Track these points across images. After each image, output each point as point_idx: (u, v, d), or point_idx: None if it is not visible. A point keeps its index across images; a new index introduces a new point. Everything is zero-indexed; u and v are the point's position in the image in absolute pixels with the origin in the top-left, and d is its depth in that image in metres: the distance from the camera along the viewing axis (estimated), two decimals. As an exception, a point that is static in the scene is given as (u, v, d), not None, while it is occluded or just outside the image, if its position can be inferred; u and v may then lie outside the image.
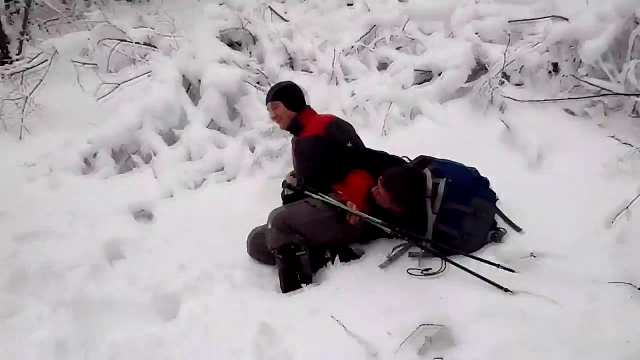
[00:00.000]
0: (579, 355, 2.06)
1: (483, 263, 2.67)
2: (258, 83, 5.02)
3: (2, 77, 6.10)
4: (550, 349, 2.10)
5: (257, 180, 4.01)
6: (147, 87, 5.08)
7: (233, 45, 5.55)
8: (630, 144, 3.19)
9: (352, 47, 5.70)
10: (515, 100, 3.98)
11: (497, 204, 3.05)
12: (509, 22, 4.83)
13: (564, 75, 3.92)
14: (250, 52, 5.52)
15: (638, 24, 3.49)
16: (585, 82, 3.72)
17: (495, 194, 3.04)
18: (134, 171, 4.48)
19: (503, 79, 4.23)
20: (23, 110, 5.63)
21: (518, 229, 2.98)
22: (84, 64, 5.86)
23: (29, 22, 8.61)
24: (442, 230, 2.86)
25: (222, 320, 2.70)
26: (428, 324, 2.27)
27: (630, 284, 2.31)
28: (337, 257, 3.05)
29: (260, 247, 3.17)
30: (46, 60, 5.94)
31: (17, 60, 6.59)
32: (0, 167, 4.70)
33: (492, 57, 4.51)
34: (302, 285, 2.92)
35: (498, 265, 2.56)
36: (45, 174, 4.48)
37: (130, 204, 3.92)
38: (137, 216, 3.87)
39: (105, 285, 3.12)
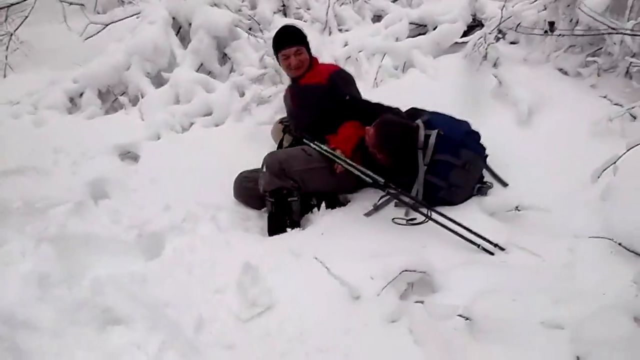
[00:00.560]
0: (557, 304, 2.09)
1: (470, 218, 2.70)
2: (250, 29, 4.91)
3: (-16, 13, 5.89)
4: (528, 298, 2.13)
5: (245, 125, 3.97)
6: (136, 28, 4.95)
7: (225, -12, 5.39)
8: (621, 105, 3.20)
9: (348, -4, 5.60)
10: (510, 57, 3.96)
11: (486, 158, 3.06)
12: (507, -23, 4.74)
13: (560, 34, 3.87)
14: (242, -3, 5.37)
15: (639, -17, 3.44)
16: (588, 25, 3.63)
17: (485, 148, 3.04)
18: (120, 112, 4.40)
19: (499, 35, 4.17)
20: (7, 48, 5.49)
21: (504, 184, 3.00)
22: (70, 3, 5.70)
23: (13, -43, 8.27)
24: (429, 181, 2.87)
25: (206, 259, 2.72)
26: (410, 270, 2.29)
27: (611, 239, 2.34)
28: (323, 204, 3.06)
29: (247, 191, 3.17)
30: (31, -4, 5.75)
31: (0, -5, 6.35)
32: (-18, 105, 4.58)
33: (489, 13, 4.45)
34: (287, 229, 2.93)
35: (478, 246, 2.57)
36: (29, 112, 4.39)
37: (116, 144, 3.86)
38: (122, 157, 3.83)
39: (89, 223, 3.10)
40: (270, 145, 3.59)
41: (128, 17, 5.30)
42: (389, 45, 4.47)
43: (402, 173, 2.92)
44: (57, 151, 3.78)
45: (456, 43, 4.40)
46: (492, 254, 2.51)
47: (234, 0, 5.05)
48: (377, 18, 5.46)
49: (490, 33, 4.11)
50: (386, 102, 3.30)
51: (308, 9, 5.44)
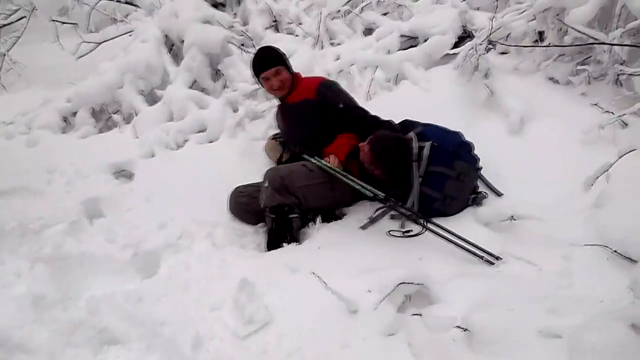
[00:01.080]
0: (553, 313, 2.09)
1: (465, 229, 2.70)
2: (242, 45, 4.94)
3: (-22, 33, 5.92)
4: (525, 307, 2.13)
5: (239, 141, 3.97)
6: (129, 46, 4.98)
7: (217, 5, 5.45)
8: (611, 112, 3.22)
9: (339, 11, 5.64)
10: (501, 67, 3.99)
11: (480, 169, 3.08)
12: (496, -12, 4.79)
13: (549, 44, 3.91)
14: (234, 13, 5.43)
15: (625, -7, 3.47)
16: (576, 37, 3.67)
17: (478, 158, 3.06)
18: (114, 131, 4.40)
19: (489, 46, 4.21)
20: (0, 68, 5.50)
21: (498, 194, 3.01)
22: (63, 23, 5.73)
23: (5, -22, 8.33)
24: (424, 193, 2.88)
25: (202, 277, 2.71)
26: (407, 282, 2.29)
27: (605, 246, 2.34)
28: (319, 218, 3.06)
29: (242, 206, 3.17)
30: (24, 17, 5.78)
31: (-7, 16, 6.39)
32: (-24, 125, 4.59)
33: (479, 24, 4.49)
34: (283, 244, 2.93)
35: (482, 258, 2.56)
36: (23, 132, 4.41)
37: (110, 163, 3.86)
38: (117, 175, 3.82)
39: (84, 242, 3.09)
40: (264, 161, 3.60)
41: (121, 35, 5.35)
42: (380, 58, 4.50)
43: (396, 186, 2.93)
44: (51, 171, 3.78)
45: (447, 54, 4.42)
46: (491, 263, 2.50)
47: (225, 16, 5.09)
48: (368, 31, 5.51)
49: (480, 44, 4.15)
50: (379, 114, 3.32)
51: (300, 24, 5.48)
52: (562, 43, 3.82)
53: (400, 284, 2.27)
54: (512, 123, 3.43)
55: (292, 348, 2.20)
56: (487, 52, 4.16)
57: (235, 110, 4.36)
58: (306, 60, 4.55)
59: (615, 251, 2.30)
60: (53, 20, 5.57)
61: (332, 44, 5.22)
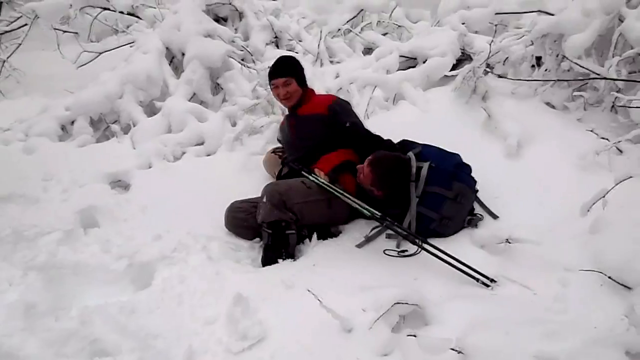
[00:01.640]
0: (548, 337, 2.10)
1: (461, 250, 2.71)
2: (242, 60, 4.97)
3: (-21, 39, 5.93)
4: (519, 330, 2.13)
5: (237, 155, 3.97)
6: (129, 57, 4.99)
7: (219, 20, 5.50)
8: (607, 139, 3.26)
9: (339, 30, 5.72)
10: (498, 90, 4.03)
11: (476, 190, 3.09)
12: (496, 13, 4.86)
13: (546, 70, 3.96)
14: (235, 29, 5.47)
15: (622, 21, 3.54)
16: (572, 66, 3.73)
17: (475, 181, 3.07)
18: (112, 140, 4.39)
19: (487, 69, 4.26)
20: (-1, 74, 5.51)
21: (494, 216, 3.03)
22: (64, 31, 5.74)
23: (8, -15, 8.37)
24: (421, 213, 2.89)
25: (197, 290, 2.69)
26: (402, 302, 2.29)
27: (601, 272, 2.36)
28: (314, 235, 3.06)
29: (238, 221, 3.17)
30: (25, 25, 5.79)
31: (-5, 22, 6.42)
32: (-26, 131, 4.57)
33: (477, 47, 4.55)
34: (279, 260, 2.92)
35: (477, 280, 2.56)
36: (20, 138, 4.37)
37: (107, 172, 3.85)
38: (113, 185, 3.80)
39: (78, 252, 3.07)
40: (261, 176, 3.60)
41: (122, 46, 5.37)
42: (379, 77, 4.54)
43: (393, 205, 2.94)
44: (47, 179, 3.76)
45: (445, 76, 4.48)
46: (487, 286, 2.51)
47: (227, 31, 5.12)
48: (367, 51, 5.57)
49: (479, 67, 4.20)
50: (377, 133, 3.34)
51: (300, 41, 5.53)
52: (560, 68, 3.88)
53: (395, 303, 2.27)
54: (510, 146, 3.46)
55: (286, 365, 2.19)
56: (485, 74, 4.21)
57: (233, 125, 4.38)
58: (307, 77, 4.57)
59: (610, 277, 2.31)
60: (54, 29, 5.57)
61: (331, 61, 5.27)
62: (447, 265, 2.62)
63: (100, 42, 5.63)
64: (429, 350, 2.03)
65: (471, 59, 4.50)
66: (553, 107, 3.85)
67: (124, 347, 2.38)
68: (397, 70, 4.70)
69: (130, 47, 5.26)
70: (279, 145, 3.72)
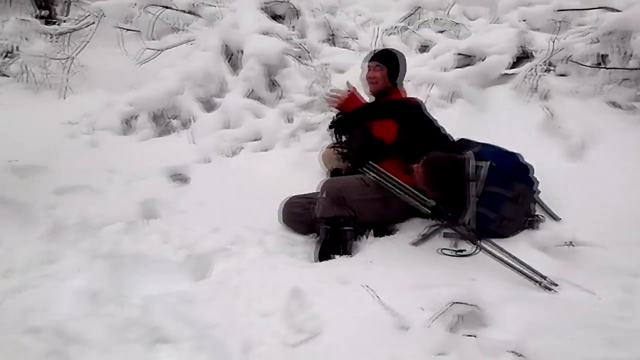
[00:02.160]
0: (611, 345, 2.03)
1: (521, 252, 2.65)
2: (299, 57, 5.01)
3: (49, 37, 6.19)
4: (581, 336, 2.08)
5: (293, 151, 4.02)
6: (189, 54, 5.13)
7: (276, 18, 5.57)
8: (677, 140, 3.12)
9: (395, 27, 5.69)
10: (560, 89, 3.92)
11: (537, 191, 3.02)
12: (557, 10, 4.73)
13: (612, 68, 3.82)
14: (292, 26, 5.53)
15: (696, 17, 3.38)
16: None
17: (537, 181, 3.00)
18: (172, 135, 4.53)
19: (549, 67, 4.14)
20: (68, 70, 5.75)
21: (556, 218, 2.95)
22: (127, 30, 5.94)
23: (76, -15, 8.73)
24: (480, 213, 2.84)
25: (253, 282, 2.73)
26: (460, 302, 2.26)
27: (669, 278, 2.27)
28: (370, 231, 3.05)
29: (295, 216, 3.20)
30: (93, 23, 6.03)
31: (64, 21, 6.69)
32: (43, 124, 4.79)
33: (538, 45, 4.43)
34: (335, 256, 2.93)
35: (540, 283, 2.50)
36: (86, 132, 4.58)
37: (167, 166, 3.97)
38: (173, 178, 3.92)
39: (139, 242, 3.17)
40: (316, 172, 3.62)
41: (182, 43, 5.51)
42: (436, 75, 4.49)
43: (450, 205, 2.90)
44: (111, 171, 3.91)
45: (504, 74, 4.38)
46: (549, 289, 2.45)
47: (284, 29, 5.18)
48: (423, 48, 5.52)
49: (540, 65, 4.09)
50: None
51: (355, 39, 5.53)
52: (626, 67, 3.74)
53: (452, 303, 2.24)
54: (572, 147, 3.36)
55: (341, 360, 2.20)
56: (547, 73, 4.10)
57: (290, 121, 4.42)
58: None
59: (680, 284, 2.22)
60: (118, 27, 5.79)
61: (387, 59, 5.23)
62: (504, 266, 2.57)
63: (161, 39, 5.79)
64: (487, 351, 2.00)
65: (531, 57, 4.39)
66: (618, 106, 3.71)
67: (182, 336, 2.43)
68: (454, 68, 4.63)
69: (190, 44, 5.40)
70: (335, 141, 3.71)
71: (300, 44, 5.14)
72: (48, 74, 5.77)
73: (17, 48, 5.88)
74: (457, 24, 5.86)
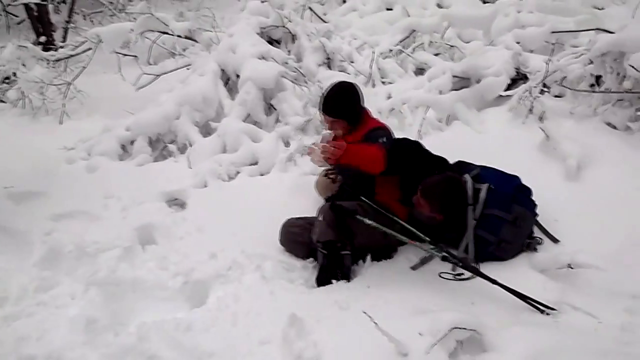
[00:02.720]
0: (615, 369, 2.02)
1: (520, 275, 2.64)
2: (295, 79, 5.04)
3: (47, 63, 6.23)
4: (584, 361, 2.06)
5: (290, 175, 4.01)
6: (186, 79, 5.15)
7: (272, 42, 5.59)
8: (674, 161, 3.12)
9: (390, 50, 5.74)
10: (556, 110, 3.93)
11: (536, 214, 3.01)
12: (552, 32, 4.77)
13: (607, 89, 3.84)
14: (289, 50, 5.55)
15: (689, 38, 3.41)
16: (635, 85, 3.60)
17: (536, 204, 2.99)
18: (169, 160, 4.51)
19: (544, 89, 4.16)
20: (65, 96, 5.77)
21: (555, 240, 2.93)
22: (125, 55, 5.98)
23: (74, 12, 8.82)
24: (479, 236, 2.83)
25: (251, 309, 2.71)
26: (460, 327, 2.23)
27: (671, 301, 2.25)
28: (368, 256, 3.03)
29: (293, 236, 3.18)
30: (90, 49, 6.08)
31: (61, 47, 6.73)
32: (41, 150, 4.78)
33: (533, 67, 4.45)
34: (333, 281, 2.90)
35: (542, 311, 2.48)
36: (83, 157, 4.56)
37: (164, 191, 3.95)
38: (170, 204, 3.90)
39: (136, 268, 3.16)
40: (314, 196, 3.60)
41: (179, 68, 5.54)
42: (432, 97, 4.51)
43: (449, 229, 2.89)
44: (107, 196, 3.89)
45: (500, 96, 4.40)
46: (547, 313, 2.42)
47: (280, 53, 5.22)
48: (419, 71, 5.56)
49: (535, 86, 4.12)
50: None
51: (352, 62, 5.57)
52: (621, 88, 3.76)
53: (452, 328, 2.22)
54: (569, 168, 3.36)
55: (340, 388, 2.17)
56: (542, 94, 4.12)
57: (287, 145, 4.42)
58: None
59: (682, 307, 2.20)
60: (116, 53, 5.82)
61: (383, 82, 5.27)
62: (504, 290, 2.55)
63: (159, 64, 5.82)
64: (488, 378, 1.97)
65: (527, 79, 4.42)
66: (614, 127, 3.72)
67: (179, 364, 2.41)
68: (450, 90, 4.66)
69: (187, 69, 5.42)
70: (330, 167, 3.70)
71: (297, 68, 5.17)
72: (46, 100, 5.78)
73: (15, 74, 5.90)
74: (452, 46, 5.91)
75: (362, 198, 3.04)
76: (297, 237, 3.18)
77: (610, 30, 4.11)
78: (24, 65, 6.03)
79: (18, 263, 3.15)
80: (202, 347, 2.51)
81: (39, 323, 2.70)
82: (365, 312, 2.25)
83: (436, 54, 5.81)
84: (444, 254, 2.85)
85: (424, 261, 2.92)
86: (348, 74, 5.37)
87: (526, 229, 2.90)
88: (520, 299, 2.51)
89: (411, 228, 2.91)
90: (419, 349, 2.17)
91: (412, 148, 3.11)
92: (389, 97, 4.81)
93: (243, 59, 4.95)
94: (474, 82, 4.67)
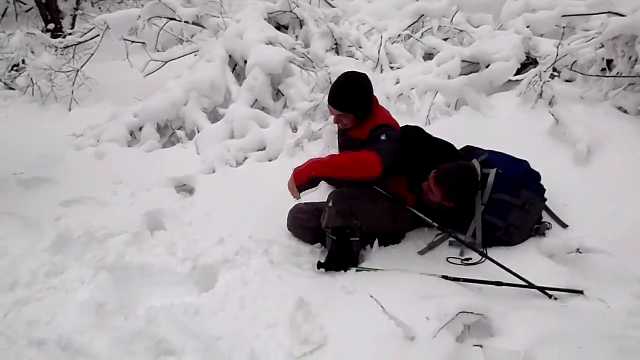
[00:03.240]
0: (622, 353, 2.00)
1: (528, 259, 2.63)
2: (303, 65, 5.01)
3: (56, 50, 6.25)
4: (592, 345, 2.04)
5: (298, 161, 3.98)
6: (194, 65, 5.15)
7: (280, 28, 5.57)
8: (686, 145, 3.09)
9: (399, 35, 5.69)
10: (566, 95, 3.89)
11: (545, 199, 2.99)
12: (563, 16, 4.70)
13: (618, 73, 3.79)
14: (296, 36, 5.53)
15: (702, 21, 3.35)
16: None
17: (544, 189, 2.97)
18: (177, 146, 4.52)
19: (554, 73, 4.12)
20: (73, 83, 5.80)
21: (564, 225, 2.92)
22: (133, 42, 5.98)
23: (82, -1, 8.86)
24: (487, 220, 2.82)
25: (259, 294, 2.72)
26: (467, 312, 2.23)
27: (680, 285, 2.23)
28: (376, 241, 3.03)
29: (300, 221, 3.18)
30: (97, 35, 6.08)
31: (69, 34, 6.75)
32: (49, 136, 4.83)
33: (543, 51, 4.40)
34: (342, 270, 2.88)
35: (550, 295, 2.49)
36: (92, 144, 4.58)
37: (172, 177, 3.96)
38: (178, 189, 3.91)
39: (145, 253, 3.18)
40: (322, 182, 3.58)
41: (186, 54, 5.53)
42: (441, 82, 4.47)
43: (456, 214, 2.88)
44: (116, 182, 3.91)
45: (510, 81, 4.36)
46: (555, 298, 2.42)
47: (288, 38, 5.19)
48: (428, 56, 5.51)
49: (545, 71, 4.07)
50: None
51: (360, 47, 5.53)
52: (632, 72, 3.71)
53: (460, 312, 2.22)
54: (579, 152, 3.32)
55: (347, 371, 2.18)
56: (552, 79, 4.07)
57: (294, 130, 4.42)
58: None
59: (691, 291, 2.18)
60: (124, 39, 5.82)
61: (391, 67, 5.23)
62: (511, 275, 2.54)
63: (166, 51, 5.81)
64: (495, 361, 1.97)
65: (536, 63, 4.36)
66: (625, 111, 3.68)
67: (187, 348, 2.43)
68: (459, 75, 4.62)
69: (195, 55, 5.41)
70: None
71: (304, 54, 5.14)
72: (54, 87, 5.81)
73: (24, 61, 5.92)
74: (461, 31, 5.86)
75: (374, 187, 2.97)
76: (304, 223, 3.18)
77: (622, 14, 4.05)
78: (32, 52, 6.06)
79: (28, 248, 3.17)
80: (210, 331, 2.53)
81: (49, 307, 2.72)
82: (372, 296, 2.25)
83: (445, 39, 5.77)
84: (452, 238, 2.85)
85: (431, 246, 2.91)
86: (356, 59, 5.34)
87: (535, 213, 2.88)
88: (528, 287, 2.50)
89: (420, 214, 2.89)
90: (426, 333, 2.17)
91: (417, 139, 3.09)
92: (397, 82, 4.76)
93: (250, 45, 4.93)
94: (483, 67, 4.62)
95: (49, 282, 2.92)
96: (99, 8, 9.14)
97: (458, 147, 3.22)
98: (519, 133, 3.68)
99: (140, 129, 4.70)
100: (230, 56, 5.10)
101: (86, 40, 6.35)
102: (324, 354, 2.28)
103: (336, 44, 5.44)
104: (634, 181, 3.05)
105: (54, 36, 6.86)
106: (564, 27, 4.40)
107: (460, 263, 2.76)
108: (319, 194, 3.13)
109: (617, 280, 2.43)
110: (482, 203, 2.83)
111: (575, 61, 4.13)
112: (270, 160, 4.15)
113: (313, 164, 2.84)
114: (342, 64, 4.89)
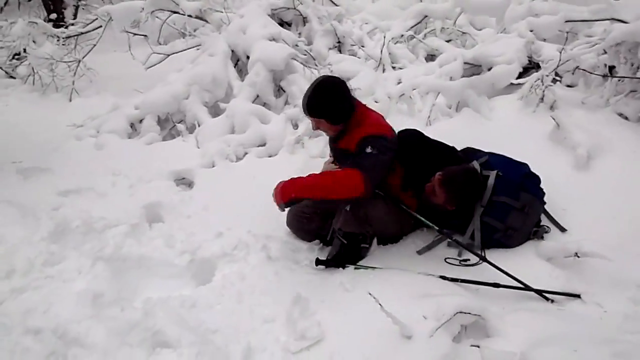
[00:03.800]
0: (618, 357, 2.01)
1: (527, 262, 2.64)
2: (305, 62, 5.01)
3: (58, 40, 6.23)
4: (588, 348, 2.05)
5: (298, 158, 4.01)
6: (196, 59, 5.14)
7: (283, 24, 5.57)
8: (685, 153, 3.10)
9: (402, 35, 5.70)
10: (567, 100, 3.90)
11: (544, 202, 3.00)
12: (566, 21, 4.72)
13: (620, 79, 3.81)
14: (299, 33, 5.53)
15: None
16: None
17: (544, 192, 2.98)
18: (177, 139, 4.52)
19: (556, 78, 4.13)
20: (75, 73, 5.78)
21: (562, 229, 2.93)
22: (135, 34, 5.97)
23: (85, -11, 8.82)
24: (486, 222, 2.82)
25: (256, 288, 2.73)
26: (464, 312, 2.23)
27: (677, 291, 2.24)
28: (375, 239, 3.03)
29: (303, 225, 3.16)
30: (100, 27, 6.06)
31: (72, 24, 6.73)
32: (49, 126, 4.81)
33: (546, 55, 4.41)
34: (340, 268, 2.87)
35: (547, 298, 2.49)
36: (92, 135, 4.58)
37: (172, 170, 3.96)
38: (178, 183, 3.91)
39: (143, 245, 3.17)
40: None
41: (189, 48, 5.52)
42: (443, 84, 4.47)
43: (455, 216, 2.88)
44: (115, 174, 3.91)
45: (511, 84, 4.37)
46: (552, 301, 2.43)
47: (291, 35, 5.19)
48: (430, 57, 5.52)
49: (547, 75, 4.08)
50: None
51: (362, 46, 5.54)
52: (635, 78, 3.72)
53: (457, 313, 2.22)
54: (579, 157, 3.33)
55: (343, 368, 2.18)
56: (554, 83, 4.08)
57: (295, 127, 4.42)
58: (368, 83, 4.58)
59: (688, 298, 2.19)
60: (126, 32, 5.81)
61: (394, 67, 5.24)
62: (509, 277, 2.55)
63: (169, 44, 5.80)
64: (491, 362, 1.98)
65: (539, 67, 4.37)
66: (626, 118, 3.69)
67: (183, 341, 2.43)
68: (461, 77, 4.62)
69: (197, 49, 5.40)
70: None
71: (307, 51, 5.14)
72: (55, 77, 5.79)
73: (25, 50, 5.91)
74: (464, 33, 5.87)
75: (376, 191, 2.91)
76: (305, 225, 3.16)
77: (625, 20, 4.06)
78: (34, 41, 6.04)
79: (26, 237, 3.15)
80: (206, 324, 2.52)
81: (45, 296, 2.71)
82: (370, 294, 2.25)
83: (448, 41, 5.78)
84: (450, 240, 2.85)
85: (430, 246, 2.92)
86: (358, 58, 5.34)
87: (534, 216, 2.89)
88: (525, 289, 2.50)
89: (421, 217, 2.89)
90: (423, 332, 2.18)
91: (416, 144, 3.06)
92: (399, 82, 4.77)
93: (253, 40, 4.94)
94: (485, 70, 4.63)
95: (46, 271, 2.90)
96: (102, -1, 9.13)
97: (458, 149, 3.22)
98: (519, 136, 3.69)
99: (141, 121, 4.70)
100: (232, 51, 5.10)
101: (88, 31, 6.33)
102: (320, 350, 2.28)
103: (339, 42, 5.46)
104: (633, 187, 3.07)
105: (56, 26, 6.82)
106: (567, 33, 4.42)
107: (458, 264, 2.76)
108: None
109: (615, 284, 2.44)
110: (482, 205, 2.83)
111: (577, 67, 4.14)
112: (270, 156, 4.16)
113: (295, 183, 2.79)
114: (345, 62, 4.91)
